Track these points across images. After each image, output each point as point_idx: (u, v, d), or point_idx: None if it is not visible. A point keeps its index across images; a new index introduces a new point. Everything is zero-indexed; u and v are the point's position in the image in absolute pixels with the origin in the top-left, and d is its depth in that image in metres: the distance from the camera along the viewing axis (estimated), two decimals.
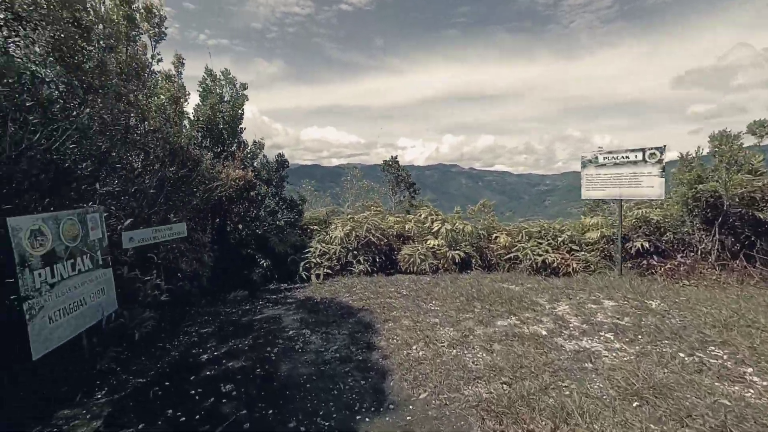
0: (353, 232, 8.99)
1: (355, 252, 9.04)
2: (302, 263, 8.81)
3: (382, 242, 9.14)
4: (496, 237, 9.50)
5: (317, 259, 8.84)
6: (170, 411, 3.35)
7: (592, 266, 8.57)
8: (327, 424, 2.99)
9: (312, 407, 3.23)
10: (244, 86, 10.06)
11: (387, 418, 3.03)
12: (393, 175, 21.78)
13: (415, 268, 8.63)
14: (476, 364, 3.72)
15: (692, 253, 8.37)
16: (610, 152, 7.65)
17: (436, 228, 9.08)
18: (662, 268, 8.04)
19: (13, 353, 3.42)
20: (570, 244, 9.23)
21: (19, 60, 4.80)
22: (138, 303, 4.53)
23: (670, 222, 8.66)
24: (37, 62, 5.47)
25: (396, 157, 21.53)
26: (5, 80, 4.47)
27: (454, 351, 4.05)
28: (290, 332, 4.88)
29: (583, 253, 8.79)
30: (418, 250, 8.77)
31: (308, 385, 3.57)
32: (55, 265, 3.37)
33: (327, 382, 3.62)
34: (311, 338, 4.66)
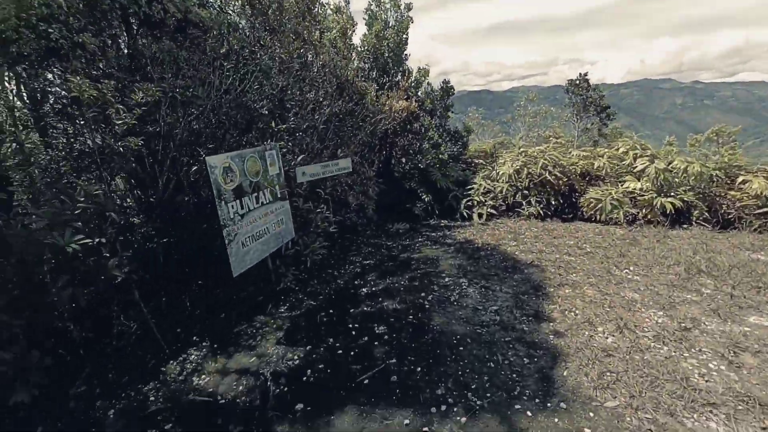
0: (525, 169, 7.72)
1: (526, 192, 7.84)
2: (464, 200, 8.26)
3: (560, 181, 7.59)
4: (743, 181, 6.55)
5: (480, 197, 8.11)
6: (330, 340, 3.57)
7: None
8: (479, 403, 2.58)
9: (464, 377, 2.86)
10: (408, 7, 9.27)
11: (556, 420, 2.39)
12: (580, 97, 17.83)
13: (603, 216, 6.90)
14: (708, 382, 2.55)
15: None
16: None
17: (640, 166, 6.86)
18: None
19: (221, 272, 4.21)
20: None
21: (218, 11, 5.35)
22: (310, 233, 4.97)
23: None
24: (233, 12, 6.07)
25: (585, 75, 17.32)
26: (212, 32, 5.07)
27: (666, 349, 2.91)
28: (446, 279, 4.57)
29: None
30: (611, 193, 6.90)
31: (461, 348, 3.21)
32: (243, 198, 3.82)
33: (483, 350, 3.16)
34: (468, 291, 4.23)
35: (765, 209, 6.34)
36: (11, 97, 4.15)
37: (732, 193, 6.76)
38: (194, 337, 4.03)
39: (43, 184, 3.77)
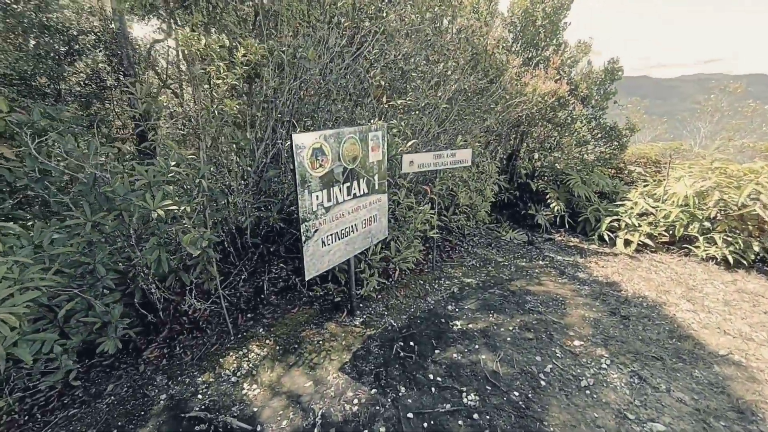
0: (715, 193, 5.47)
1: (708, 224, 5.61)
2: (608, 218, 6.38)
3: None
4: None
5: (633, 219, 6.13)
6: (402, 390, 2.74)
7: None
8: None
9: None
10: None
11: None
12: None
13: None
14: None
15: None
16: None
17: None
18: None
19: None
20: None
21: None
22: (406, 234, 4.12)
23: None
24: None
25: None
26: None
27: None
28: (576, 343, 3.25)
29: None
30: None
31: None
32: (332, 188, 3.12)
33: None
34: (611, 375, 2.88)
35: None
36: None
37: None
38: (261, 329, 3.64)
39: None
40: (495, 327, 3.47)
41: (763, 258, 5.27)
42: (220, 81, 3.31)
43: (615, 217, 6.36)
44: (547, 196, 7.06)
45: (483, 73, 5.54)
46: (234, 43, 3.52)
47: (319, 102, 4.24)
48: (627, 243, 6.06)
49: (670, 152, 7.73)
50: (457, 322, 3.57)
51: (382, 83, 4.22)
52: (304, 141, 2.81)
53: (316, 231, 3.07)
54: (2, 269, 2.28)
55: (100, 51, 6.12)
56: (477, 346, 3.18)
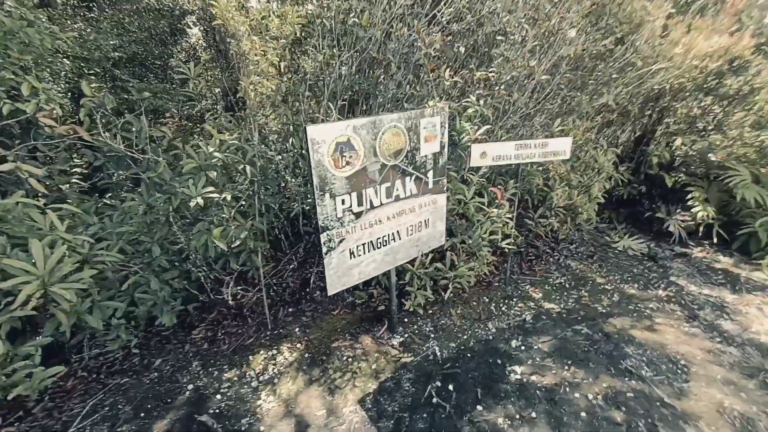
0: None
1: None
2: None
3: None
4: None
5: None
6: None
7: None
8: None
9: None
10: None
11: None
12: None
13: None
14: None
15: None
16: None
17: None
18: None
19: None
20: None
21: None
22: (469, 243, 3.35)
23: None
24: None
25: None
26: None
27: None
28: None
29: None
30: None
31: None
32: (365, 191, 2.56)
33: None
34: None
35: None
36: None
37: None
38: (297, 329, 3.43)
39: None
40: (569, 388, 2.58)
41: None
42: (258, 57, 2.95)
43: None
44: (689, 196, 5.24)
45: (607, 30, 4.08)
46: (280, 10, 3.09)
47: (379, 78, 3.60)
48: None
49: None
50: (518, 369, 2.78)
51: (462, 49, 3.34)
52: (324, 134, 2.27)
53: (342, 241, 2.59)
54: (73, 244, 2.44)
55: (199, 29, 6.41)
56: (534, 415, 2.38)
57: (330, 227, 2.49)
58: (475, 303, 3.57)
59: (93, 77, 4.72)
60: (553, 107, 4.03)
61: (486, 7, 3.65)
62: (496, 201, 3.44)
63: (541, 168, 3.99)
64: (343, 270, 2.69)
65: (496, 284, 3.84)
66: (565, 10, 3.76)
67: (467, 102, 3.50)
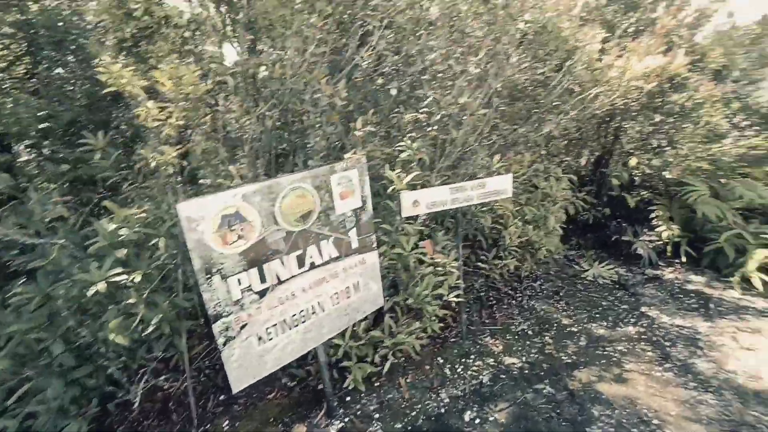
0: None
1: None
2: (762, 250, 4.18)
3: None
4: None
5: None
6: None
7: None
8: None
9: None
10: None
11: None
12: None
13: None
14: None
15: None
16: None
17: None
18: None
19: None
20: None
21: None
22: (409, 304, 3.00)
23: None
24: None
25: None
26: None
27: None
28: None
29: None
30: None
31: None
32: (268, 264, 2.22)
33: None
34: None
35: None
36: None
37: None
38: (225, 422, 2.97)
39: None
40: None
41: None
42: (158, 123, 2.67)
43: None
44: (653, 215, 5.06)
45: (541, 59, 3.99)
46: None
47: (306, 130, 3.36)
48: None
49: None
50: None
51: (395, 92, 3.15)
52: (203, 210, 1.95)
53: (244, 326, 2.21)
54: None
55: None
56: None
57: (225, 314, 2.12)
58: (427, 366, 3.18)
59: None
60: (495, 141, 3.83)
61: (414, 47, 3.50)
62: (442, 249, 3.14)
63: (487, 207, 3.73)
64: (251, 360, 2.29)
65: (453, 340, 3.46)
66: (494, 42, 3.65)
67: (401, 146, 3.27)
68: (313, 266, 2.45)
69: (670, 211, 5.11)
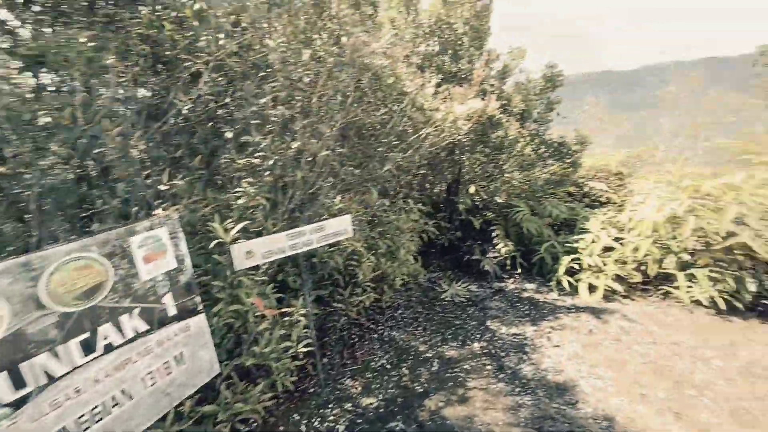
0: (691, 219, 4.27)
1: (688, 256, 4.41)
2: (566, 257, 5.13)
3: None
4: None
5: (594, 258, 4.89)
6: None
7: None
8: None
9: None
10: None
11: None
12: None
13: None
14: None
15: None
16: None
17: None
18: None
19: None
20: None
21: None
22: (251, 366, 2.76)
23: None
24: None
25: None
26: None
27: None
28: None
29: None
30: None
31: None
32: (28, 362, 1.75)
33: None
34: None
35: None
36: None
37: None
38: None
39: None
40: None
41: (761, 296, 4.05)
42: None
43: (575, 255, 5.11)
44: (493, 234, 5.81)
45: (374, 104, 4.32)
46: None
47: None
48: (592, 289, 4.80)
49: (631, 160, 6.62)
50: None
51: (230, 135, 2.93)
52: None
53: None
54: None
55: None
56: None
57: None
58: (282, 428, 2.92)
59: None
60: (343, 180, 3.92)
61: (245, 91, 3.40)
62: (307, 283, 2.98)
63: (336, 247, 3.75)
64: None
65: (311, 390, 3.28)
66: (322, 88, 3.79)
67: (238, 191, 3.07)
68: (110, 348, 2.05)
69: (506, 229, 5.94)
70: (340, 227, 3.25)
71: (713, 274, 4.13)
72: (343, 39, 4.43)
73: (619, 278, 4.76)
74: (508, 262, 5.69)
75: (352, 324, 4.18)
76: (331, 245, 3.74)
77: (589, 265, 4.94)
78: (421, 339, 4.03)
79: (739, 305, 3.99)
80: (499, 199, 5.79)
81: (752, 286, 3.95)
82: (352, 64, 4.14)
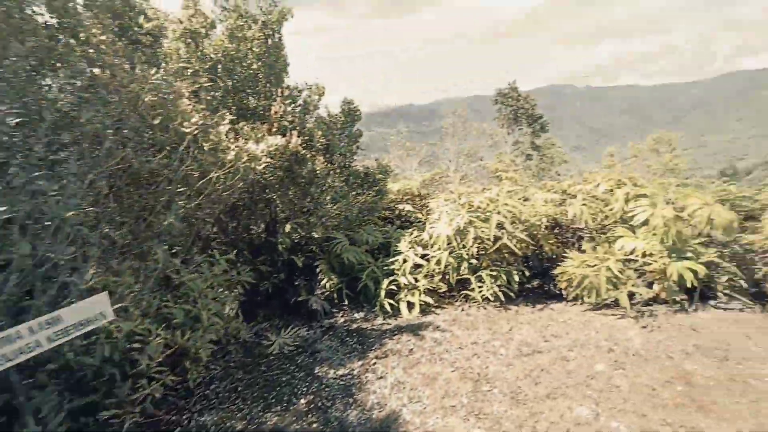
0: (471, 229, 5.09)
1: (475, 262, 5.23)
2: (386, 280, 5.40)
3: (523, 244, 5.06)
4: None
5: (408, 276, 5.30)
6: None
7: None
8: None
9: None
10: None
11: None
12: (510, 108, 16.38)
13: (594, 297, 4.47)
14: None
15: None
16: None
17: (639, 214, 4.56)
18: None
19: None
20: None
21: None
22: None
23: None
24: None
25: (515, 83, 15.93)
26: None
27: None
28: None
29: None
30: (603, 263, 4.49)
31: None
32: None
33: None
34: None
35: None
36: None
37: (754, 238, 4.73)
38: None
39: None
40: None
41: (524, 286, 5.10)
42: None
43: (393, 277, 5.42)
44: (318, 271, 5.66)
45: (153, 146, 3.61)
46: None
47: None
48: (410, 306, 5.15)
49: (428, 182, 7.67)
50: None
51: None
52: None
53: None
54: None
55: None
56: None
57: None
58: None
59: None
60: (91, 248, 3.01)
61: None
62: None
63: (99, 335, 2.83)
64: None
65: None
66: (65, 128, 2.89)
67: None
68: None
69: (330, 262, 5.88)
70: (91, 312, 2.43)
71: (492, 273, 4.99)
72: (96, 70, 3.61)
73: (430, 291, 5.26)
74: (335, 295, 5.61)
75: (144, 425, 3.22)
76: (90, 333, 2.80)
77: (405, 284, 5.30)
78: (239, 414, 3.41)
79: (512, 295, 4.91)
80: (316, 234, 5.71)
81: (516, 277, 4.92)
82: (112, 99, 3.36)
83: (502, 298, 4.83)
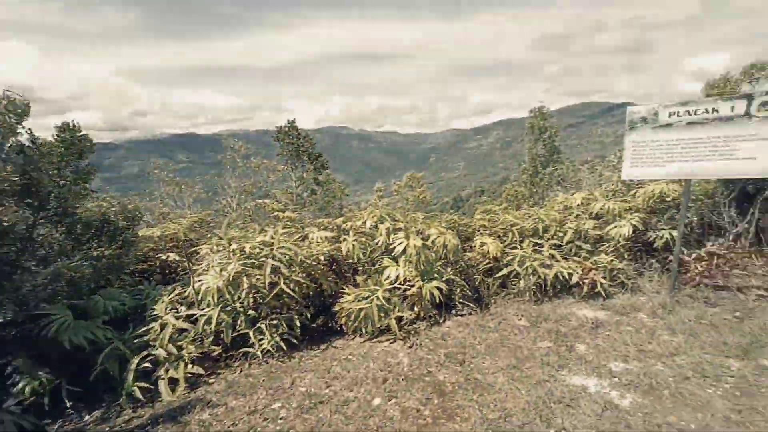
0: (245, 279, 4.55)
1: (253, 312, 4.70)
2: (136, 358, 4.12)
3: (303, 286, 4.92)
4: (481, 243, 6.10)
5: (168, 347, 4.23)
6: None
7: (621, 278, 5.87)
8: None
9: None
10: None
11: None
12: (292, 145, 16.84)
13: (370, 327, 4.76)
14: None
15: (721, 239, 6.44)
16: (684, 104, 4.63)
17: (398, 246, 5.21)
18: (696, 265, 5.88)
19: None
20: (577, 243, 6.43)
21: None
22: None
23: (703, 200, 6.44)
24: None
25: (294, 122, 16.56)
26: None
27: None
28: None
29: (604, 257, 6.00)
30: (375, 294, 4.84)
31: None
32: None
33: None
34: None
35: (499, 272, 5.99)
36: None
37: (471, 255, 6.26)
38: None
39: None
40: None
41: (306, 328, 4.96)
42: None
43: (148, 354, 4.20)
44: (11, 371, 3.78)
45: None
46: None
47: None
48: (173, 386, 4.09)
49: (198, 225, 6.63)
50: None
51: None
52: None
53: None
54: None
55: None
56: None
57: None
58: None
59: None
60: None
61: None
62: None
63: None
64: None
65: None
66: None
67: None
68: None
69: (37, 352, 4.05)
70: None
71: (273, 322, 4.59)
72: None
73: (201, 358, 4.35)
74: (47, 400, 3.87)
75: None
76: None
77: (165, 357, 4.20)
78: None
79: (295, 341, 4.64)
80: (10, 316, 3.84)
81: (298, 322, 4.71)
82: None
83: (285, 348, 4.48)
